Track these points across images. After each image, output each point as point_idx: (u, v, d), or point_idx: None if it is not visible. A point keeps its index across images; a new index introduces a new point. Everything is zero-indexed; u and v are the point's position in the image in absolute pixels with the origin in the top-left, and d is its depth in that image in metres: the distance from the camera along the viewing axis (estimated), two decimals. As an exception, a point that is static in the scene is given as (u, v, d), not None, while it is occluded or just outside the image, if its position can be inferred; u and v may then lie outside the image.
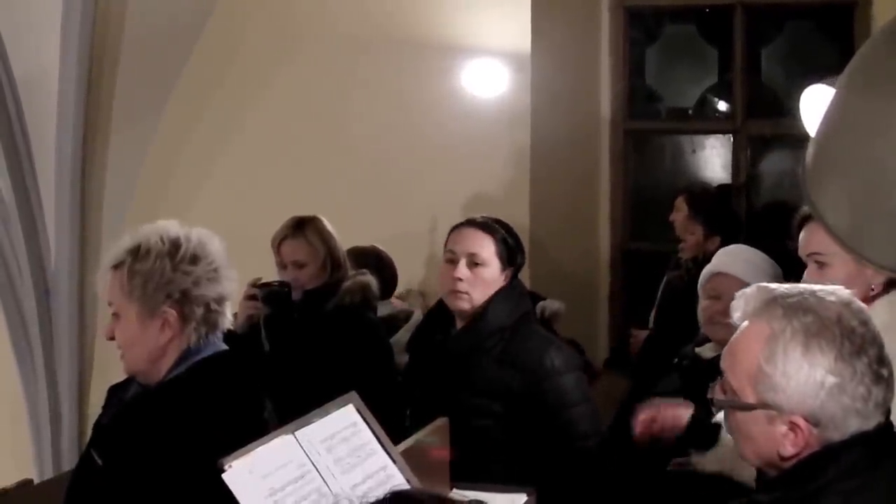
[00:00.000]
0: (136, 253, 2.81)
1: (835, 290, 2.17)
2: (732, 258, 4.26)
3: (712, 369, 4.11)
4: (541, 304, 5.72)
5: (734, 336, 2.23)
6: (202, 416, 2.74)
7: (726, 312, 4.17)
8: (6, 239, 6.90)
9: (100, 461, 2.78)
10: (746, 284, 4.06)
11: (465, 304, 3.70)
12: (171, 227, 2.87)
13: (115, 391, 3.04)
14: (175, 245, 2.82)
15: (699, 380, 4.20)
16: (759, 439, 2.15)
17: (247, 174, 6.95)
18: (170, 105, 7.07)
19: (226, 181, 6.99)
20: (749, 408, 2.14)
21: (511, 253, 3.76)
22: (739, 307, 2.23)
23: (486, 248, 3.70)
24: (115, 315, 2.87)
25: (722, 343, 4.22)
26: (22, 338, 7.08)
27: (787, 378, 2.07)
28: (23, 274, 6.94)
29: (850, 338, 2.07)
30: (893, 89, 1.65)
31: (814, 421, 2.07)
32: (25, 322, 7.05)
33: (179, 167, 7.09)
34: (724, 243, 4.78)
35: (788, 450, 2.10)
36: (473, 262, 3.69)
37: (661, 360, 4.62)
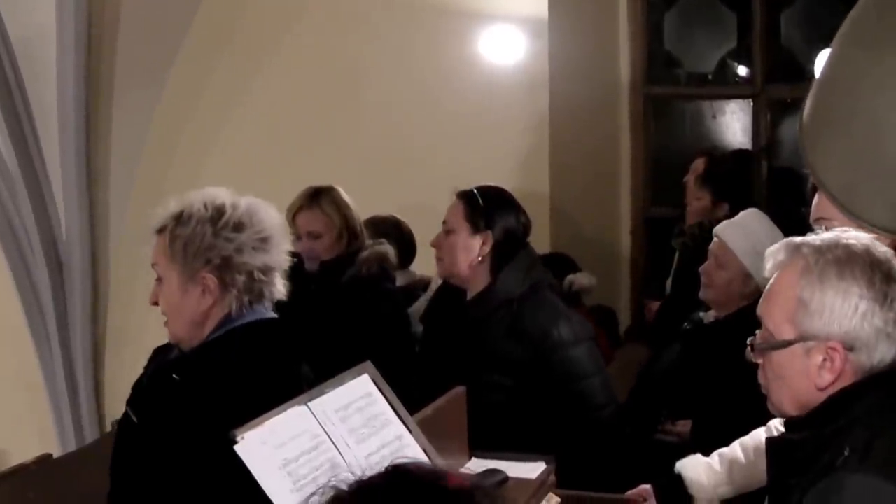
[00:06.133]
0: (179, 217, 2.86)
1: (857, 234, 2.23)
2: (734, 225, 4.25)
3: (712, 333, 4.12)
4: (569, 277, 5.70)
5: (767, 287, 2.28)
6: (235, 378, 2.77)
7: (708, 272, 4.23)
8: (16, 214, 6.88)
9: (135, 418, 2.83)
10: (733, 253, 4.10)
11: (441, 270, 3.96)
12: (220, 193, 2.91)
13: (157, 353, 3.09)
14: (219, 211, 2.85)
15: (699, 344, 4.20)
16: (796, 378, 2.20)
17: (257, 143, 6.87)
18: (174, 68, 6.97)
19: (235, 150, 6.89)
20: (787, 343, 2.19)
21: (479, 215, 3.79)
22: (769, 264, 2.28)
23: (455, 214, 3.86)
24: (159, 280, 2.92)
25: (711, 303, 4.23)
26: (36, 312, 7.09)
27: (823, 304, 2.14)
28: (34, 248, 6.94)
29: (880, 267, 2.15)
30: (886, 49, 1.64)
31: (848, 345, 2.14)
32: (39, 296, 7.05)
33: (185, 135, 7.01)
34: (734, 210, 4.76)
35: (826, 378, 2.16)
36: (445, 230, 3.88)
37: (676, 327, 4.61)
